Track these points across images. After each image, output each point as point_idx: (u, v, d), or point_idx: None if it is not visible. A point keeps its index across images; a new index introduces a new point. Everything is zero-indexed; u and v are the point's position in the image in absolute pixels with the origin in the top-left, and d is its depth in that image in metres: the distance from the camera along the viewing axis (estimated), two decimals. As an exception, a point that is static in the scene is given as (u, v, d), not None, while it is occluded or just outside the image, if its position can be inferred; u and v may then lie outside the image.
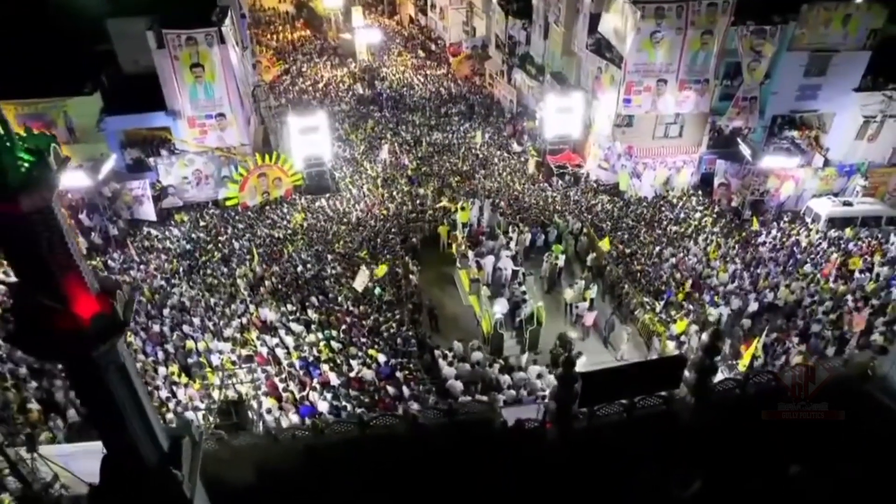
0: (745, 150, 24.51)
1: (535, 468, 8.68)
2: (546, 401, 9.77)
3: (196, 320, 18.46)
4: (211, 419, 13.95)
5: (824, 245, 22.75)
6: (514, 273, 20.16)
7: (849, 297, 19.99)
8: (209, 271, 20.78)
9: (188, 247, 22.17)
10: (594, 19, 25.82)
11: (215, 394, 14.77)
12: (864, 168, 25.12)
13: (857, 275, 21.00)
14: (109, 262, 21.48)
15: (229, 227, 23.39)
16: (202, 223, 23.84)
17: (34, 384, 16.01)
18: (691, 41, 23.24)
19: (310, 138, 25.21)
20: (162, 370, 16.65)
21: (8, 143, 4.14)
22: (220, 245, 22.26)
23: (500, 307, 18.16)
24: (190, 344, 17.57)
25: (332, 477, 8.68)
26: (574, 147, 28.46)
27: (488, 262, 20.25)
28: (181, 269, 20.91)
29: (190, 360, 17.13)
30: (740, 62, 24.20)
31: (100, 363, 5.19)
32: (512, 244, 21.30)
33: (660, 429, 9.00)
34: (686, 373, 8.81)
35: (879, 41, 24.15)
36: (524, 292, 19.34)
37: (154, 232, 23.12)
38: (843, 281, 20.68)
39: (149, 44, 23.32)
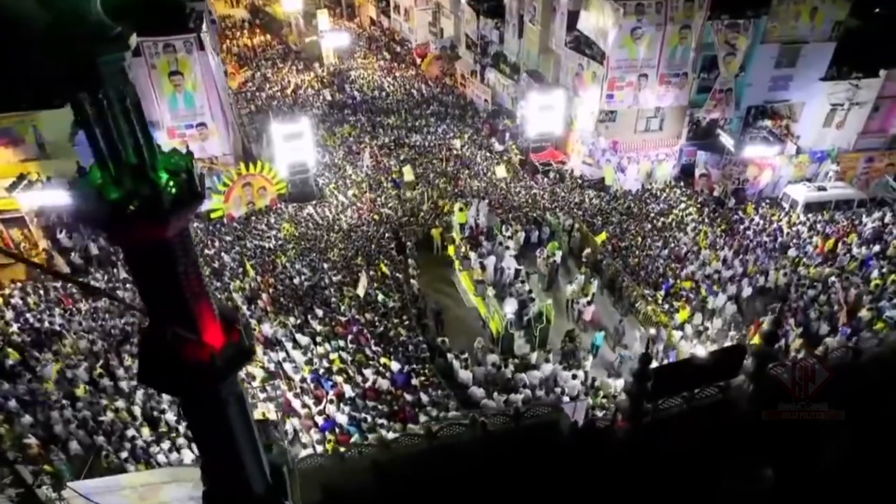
0: (728, 142, 25.26)
1: (603, 467, 8.64)
2: (617, 399, 9.77)
3: (196, 339, 17.72)
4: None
5: (804, 230, 23.65)
6: (517, 272, 20.15)
7: (833, 278, 20.85)
8: (201, 287, 19.99)
9: (175, 263, 21.24)
10: (572, 17, 26.10)
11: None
12: (834, 154, 26.27)
13: (840, 256, 21.93)
14: (93, 282, 20.44)
15: (216, 241, 22.57)
16: (186, 237, 22.90)
17: (28, 418, 15.06)
18: (670, 36, 23.80)
19: (293, 145, 24.59)
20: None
21: (157, 165, 3.80)
22: (208, 259, 21.45)
23: (511, 307, 18.12)
24: (192, 364, 16.86)
25: (401, 491, 8.43)
26: (555, 144, 28.72)
27: (490, 262, 20.18)
28: (171, 287, 20.05)
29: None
30: (716, 55, 24.91)
31: (223, 395, 4.85)
32: (511, 243, 21.29)
33: (719, 418, 9.10)
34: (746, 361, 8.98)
35: (842, 33, 25.29)
36: (529, 290, 19.35)
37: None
38: (828, 263, 21.53)
39: (118, 52, 22.30)
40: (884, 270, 20.02)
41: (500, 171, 26.80)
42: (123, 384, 16.26)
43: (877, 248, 22.03)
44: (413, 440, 8.68)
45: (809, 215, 24.29)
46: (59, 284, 20.48)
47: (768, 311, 19.49)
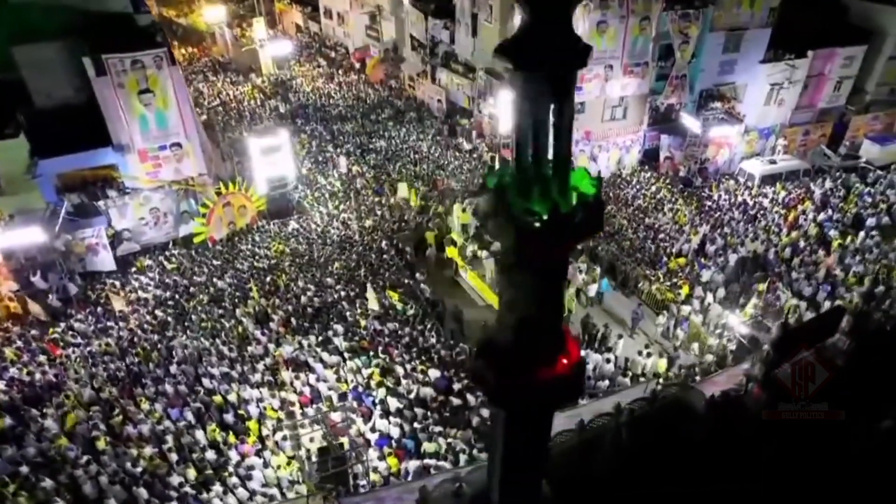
0: (693, 124, 26.81)
1: (744, 439, 9.03)
2: (748, 367, 10.22)
3: (215, 371, 16.64)
4: (317, 468, 12.77)
5: (766, 201, 25.63)
6: (527, 266, 20.39)
7: (801, 242, 22.80)
8: (203, 316, 18.77)
9: (166, 294, 19.79)
10: (533, 14, 26.63)
11: (308, 437, 13.52)
12: (777, 130, 28.64)
13: (801, 222, 23.99)
14: (76, 324, 18.60)
15: (204, 266, 21.20)
16: (169, 266, 21.37)
17: (49, 481, 13.56)
18: (632, 28, 24.97)
19: (271, 159, 23.53)
20: (199, 434, 14.88)
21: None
22: (201, 286, 20.14)
23: (536, 300, 18.35)
24: (218, 399, 15.86)
25: (558, 491, 8.39)
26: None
27: (502, 259, 20.31)
28: (169, 320, 18.67)
29: (227, 416, 15.49)
30: (671, 44, 26.38)
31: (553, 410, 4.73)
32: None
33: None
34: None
35: (776, 18, 27.56)
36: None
37: (117, 283, 20.35)
38: (794, 229, 23.48)
39: (62, 73, 20.60)
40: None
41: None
42: (145, 429, 15.01)
43: (830, 212, 24.31)
44: (565, 436, 8.71)
45: (767, 187, 26.40)
46: (35, 332, 18.48)
47: (755, 279, 21.07)
